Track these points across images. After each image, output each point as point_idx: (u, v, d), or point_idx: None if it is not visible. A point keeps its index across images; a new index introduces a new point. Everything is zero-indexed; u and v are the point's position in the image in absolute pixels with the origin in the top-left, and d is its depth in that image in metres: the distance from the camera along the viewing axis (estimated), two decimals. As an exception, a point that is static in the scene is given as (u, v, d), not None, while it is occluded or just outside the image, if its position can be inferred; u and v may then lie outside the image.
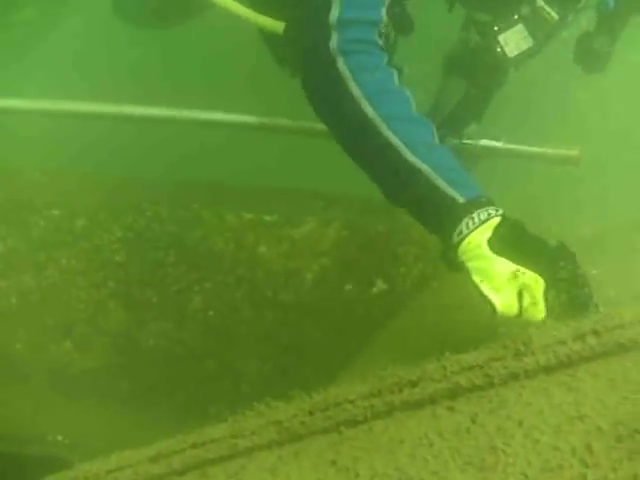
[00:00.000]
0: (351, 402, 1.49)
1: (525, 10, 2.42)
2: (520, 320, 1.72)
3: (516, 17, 2.42)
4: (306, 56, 2.05)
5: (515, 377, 1.40)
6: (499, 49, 2.43)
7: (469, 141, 2.52)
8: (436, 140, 1.93)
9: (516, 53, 2.44)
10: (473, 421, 1.36)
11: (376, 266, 2.69)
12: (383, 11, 2.03)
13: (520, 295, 1.71)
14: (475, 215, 1.78)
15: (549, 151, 2.57)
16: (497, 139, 2.58)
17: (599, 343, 1.38)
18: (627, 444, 1.19)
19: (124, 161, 3.04)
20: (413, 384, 1.47)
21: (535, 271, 1.71)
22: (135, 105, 2.69)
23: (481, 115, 2.60)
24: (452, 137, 2.50)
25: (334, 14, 1.97)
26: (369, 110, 1.89)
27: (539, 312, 1.70)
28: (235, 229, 2.70)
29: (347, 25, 1.98)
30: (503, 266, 1.73)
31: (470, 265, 1.78)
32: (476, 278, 1.76)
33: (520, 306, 1.72)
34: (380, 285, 2.67)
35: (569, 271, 1.73)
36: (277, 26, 2.39)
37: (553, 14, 2.40)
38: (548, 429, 1.27)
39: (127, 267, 2.74)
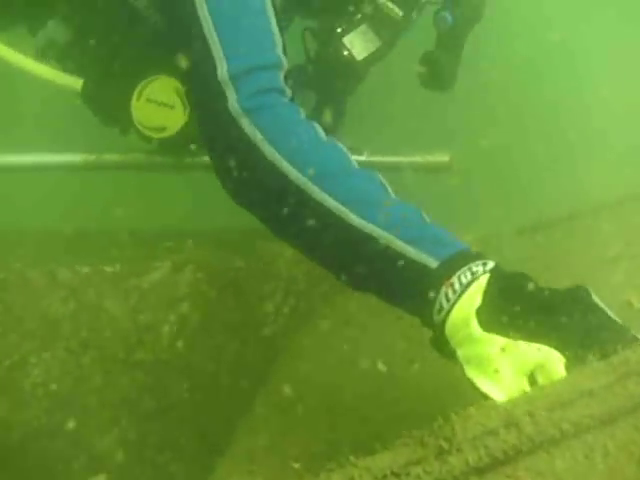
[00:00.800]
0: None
1: (367, 8, 2.27)
2: None
3: (359, 17, 2.27)
4: (203, 127, 1.64)
5: (442, 486, 1.14)
6: (346, 52, 2.26)
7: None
8: (389, 194, 1.51)
9: (365, 55, 2.28)
10: None
11: (241, 308, 2.37)
12: (279, 51, 1.65)
13: (532, 378, 1.28)
14: (455, 280, 1.34)
15: (418, 159, 2.38)
16: (359, 153, 2.34)
17: (537, 431, 1.14)
18: None
19: None
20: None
21: (547, 339, 1.26)
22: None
23: (336, 128, 2.40)
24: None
25: (222, 69, 1.57)
26: (294, 174, 1.49)
27: None
28: (71, 286, 2.30)
29: (241, 77, 1.58)
30: (499, 348, 1.26)
31: (460, 353, 1.33)
32: (469, 372, 1.31)
33: None
34: (249, 330, 2.36)
35: (581, 321, 1.28)
36: (74, 83, 2.14)
37: (397, 10, 2.27)
38: None
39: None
